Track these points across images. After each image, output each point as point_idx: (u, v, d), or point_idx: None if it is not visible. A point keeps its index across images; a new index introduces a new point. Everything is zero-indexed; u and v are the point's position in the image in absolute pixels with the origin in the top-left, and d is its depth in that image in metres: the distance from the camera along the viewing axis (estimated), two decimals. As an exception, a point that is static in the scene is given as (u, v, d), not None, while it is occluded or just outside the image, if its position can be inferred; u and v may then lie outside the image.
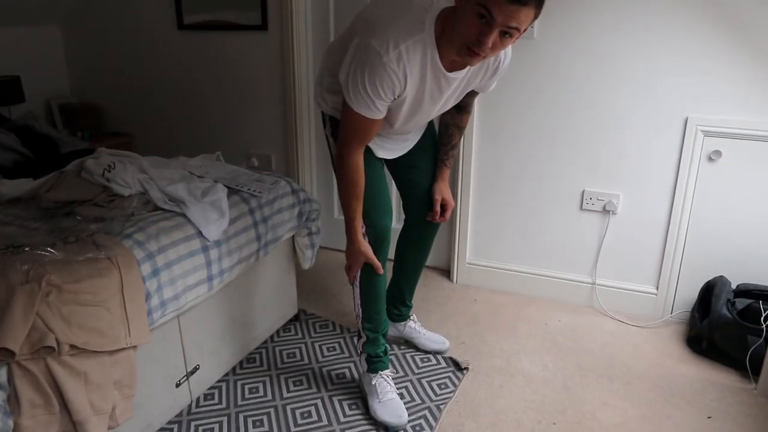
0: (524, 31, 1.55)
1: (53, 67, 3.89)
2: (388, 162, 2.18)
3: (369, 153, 2.01)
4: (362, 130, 1.82)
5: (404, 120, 1.91)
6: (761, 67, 2.38)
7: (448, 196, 2.26)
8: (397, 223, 3.17)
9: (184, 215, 2.03)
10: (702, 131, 2.52)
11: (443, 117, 2.19)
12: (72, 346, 1.57)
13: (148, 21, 3.53)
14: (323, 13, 3.10)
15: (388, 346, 2.25)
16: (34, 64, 3.73)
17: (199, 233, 2.01)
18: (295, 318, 2.71)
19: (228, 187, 2.24)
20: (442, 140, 2.23)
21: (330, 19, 3.09)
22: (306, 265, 2.56)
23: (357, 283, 2.14)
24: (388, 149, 2.10)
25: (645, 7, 2.47)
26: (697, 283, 2.67)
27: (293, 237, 2.51)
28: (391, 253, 2.27)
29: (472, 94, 2.08)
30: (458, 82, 1.84)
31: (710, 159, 2.55)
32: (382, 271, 2.08)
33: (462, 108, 2.15)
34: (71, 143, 3.43)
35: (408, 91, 1.75)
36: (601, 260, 2.83)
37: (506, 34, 1.52)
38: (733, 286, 2.58)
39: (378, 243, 2.10)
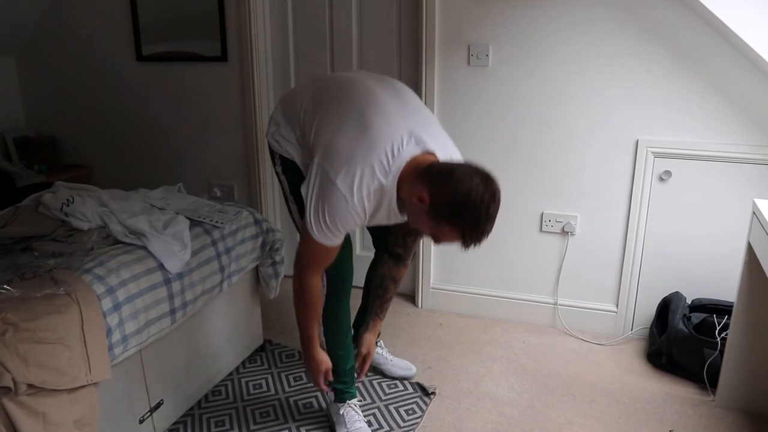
0: None
1: (7, 98, 3.82)
2: None
3: None
4: (323, 256, 1.83)
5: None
6: (704, 92, 2.49)
7: (372, 349, 2.19)
8: (362, 251, 3.19)
9: (145, 248, 2.01)
10: (652, 153, 2.61)
11: (380, 268, 2.17)
12: (29, 386, 1.53)
13: (106, 52, 3.51)
14: (283, 44, 3.13)
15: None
16: (-12, 96, 3.67)
17: (161, 266, 1.99)
18: (261, 349, 2.68)
19: (190, 219, 2.23)
20: (377, 293, 2.20)
21: (290, 50, 3.13)
22: (271, 295, 2.55)
23: (321, 320, 2.11)
24: None
25: (595, 39, 2.57)
26: (655, 299, 2.75)
27: (257, 267, 2.50)
28: (359, 280, 2.28)
29: (418, 237, 2.10)
30: None
31: (661, 179, 2.64)
32: (324, 389, 2.07)
33: (400, 260, 2.14)
34: (27, 177, 3.37)
35: (368, 217, 1.76)
36: (562, 280, 2.89)
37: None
38: (689, 301, 2.66)
39: (338, 288, 2.10)
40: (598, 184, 2.73)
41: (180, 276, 2.03)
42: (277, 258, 2.51)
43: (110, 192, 2.40)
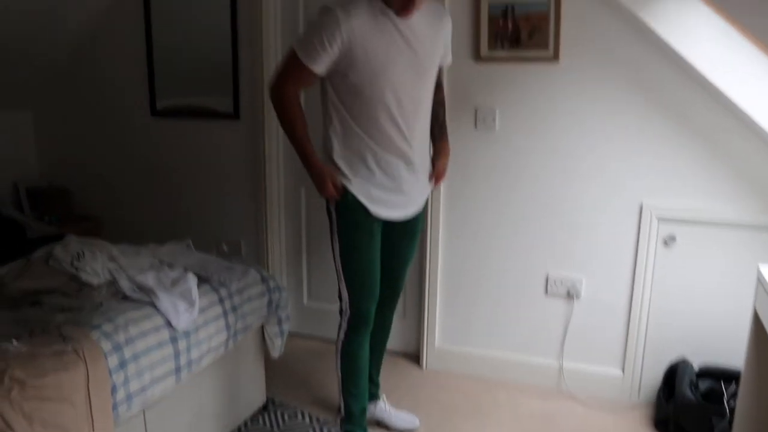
0: None
1: (23, 150, 3.89)
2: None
3: (366, 219, 2.10)
4: (297, 74, 2.00)
5: (389, 86, 2.00)
6: (707, 158, 2.54)
7: (443, 170, 2.32)
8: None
9: (153, 305, 2.03)
10: (656, 217, 2.64)
11: None
12: (33, 445, 1.52)
13: (121, 106, 3.60)
14: (294, 104, 3.21)
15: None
16: (4, 148, 3.73)
17: (168, 323, 2.00)
18: (264, 408, 2.65)
19: (198, 276, 2.25)
20: (430, 117, 2.29)
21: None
22: (275, 353, 2.54)
23: (338, 353, 2.20)
24: (385, 202, 2.12)
25: (598, 104, 2.64)
26: (662, 364, 2.72)
27: (262, 325, 2.50)
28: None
29: (441, 71, 2.28)
30: (417, 28, 2.00)
31: (666, 243, 2.66)
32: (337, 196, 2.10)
33: (435, 86, 2.24)
34: (38, 228, 3.40)
35: (359, 36, 1.91)
36: (568, 344, 2.88)
37: None
38: (696, 368, 2.63)
39: (359, 326, 2.16)
40: (604, 247, 2.75)
41: (186, 334, 2.04)
42: (283, 316, 2.52)
43: (120, 247, 2.43)
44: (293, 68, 2.00)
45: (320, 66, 1.96)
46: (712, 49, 2.37)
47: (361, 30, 1.92)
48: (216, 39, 3.26)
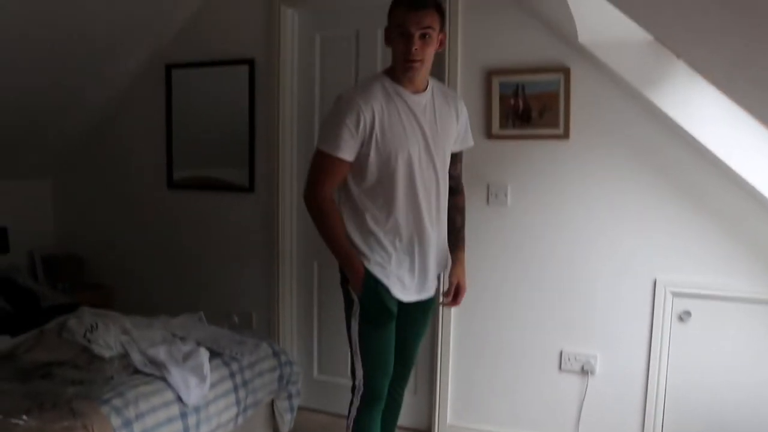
0: (440, 33, 1.99)
1: (41, 218, 3.96)
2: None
3: (386, 300, 2.07)
4: (328, 169, 2.01)
5: (404, 165, 2.02)
6: (720, 234, 2.54)
7: (463, 281, 2.28)
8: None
9: (164, 379, 2.02)
10: (671, 292, 2.62)
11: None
12: None
13: (139, 177, 3.68)
14: (308, 176, 3.27)
15: None
16: (22, 215, 3.79)
17: (179, 398, 1.99)
18: (271, 485, 2.59)
19: (210, 350, 2.24)
20: (447, 226, 2.26)
21: (315, 182, 3.26)
22: (285, 429, 2.50)
23: (350, 430, 2.16)
24: (402, 283, 2.09)
25: (609, 180, 2.67)
26: (681, 443, 2.65)
27: (272, 400, 2.47)
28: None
29: (453, 162, 2.22)
30: (428, 109, 2.06)
31: (681, 319, 2.63)
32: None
33: (453, 189, 2.24)
34: (52, 296, 3.42)
35: (378, 118, 1.97)
36: (583, 421, 2.81)
37: (425, 35, 1.94)
38: (716, 448, 2.55)
39: (373, 403, 2.14)
40: (618, 323, 2.72)
41: (197, 410, 2.02)
42: (293, 391, 2.49)
43: (133, 319, 2.44)
44: (324, 167, 2.02)
45: (350, 153, 1.99)
46: (720, 127, 2.42)
47: (380, 113, 1.98)
48: (233, 113, 3.36)
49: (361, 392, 2.14)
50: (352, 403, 2.19)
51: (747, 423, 2.54)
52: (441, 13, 2.00)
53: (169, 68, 3.51)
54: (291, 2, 3.17)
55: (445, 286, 2.35)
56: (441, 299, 2.34)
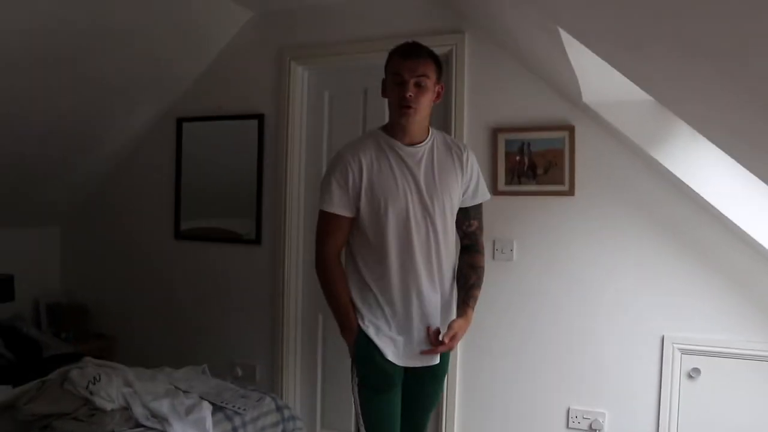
0: (436, 81, 2.00)
1: (47, 266, 3.97)
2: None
3: (384, 367, 1.99)
4: (330, 227, 2.02)
5: (396, 219, 1.96)
6: (727, 289, 2.54)
7: (459, 332, 2.02)
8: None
9: (166, 433, 1.99)
10: (679, 349, 2.59)
11: (458, 260, 2.17)
12: None
13: (147, 228, 3.70)
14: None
15: None
16: (29, 263, 3.79)
17: (180, 453, 1.95)
18: None
19: (212, 404, 2.22)
20: (459, 283, 2.15)
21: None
22: (287, 486, 2.44)
23: None
24: (396, 351, 2.00)
25: (615, 236, 2.68)
26: (693, 505, 2.57)
27: (275, 455, 2.43)
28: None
29: (466, 218, 2.14)
30: (424, 161, 2.02)
31: (690, 377, 2.59)
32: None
33: (470, 249, 2.16)
34: (54, 346, 3.40)
35: (366, 169, 1.97)
36: (592, 482, 2.74)
37: (419, 84, 1.95)
38: None
39: None
40: (626, 380, 2.69)
41: (198, 465, 1.98)
42: (297, 447, 2.45)
43: (136, 371, 2.42)
44: (323, 225, 2.04)
45: (344, 208, 1.98)
46: (725, 185, 2.44)
47: (369, 164, 1.98)
48: (242, 166, 3.42)
49: None
50: None
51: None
52: (437, 62, 2.00)
53: (180, 122, 3.58)
54: (301, 60, 3.27)
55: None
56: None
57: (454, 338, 2.00)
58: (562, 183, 2.72)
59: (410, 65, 1.95)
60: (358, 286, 2.04)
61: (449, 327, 2.02)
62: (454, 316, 2.08)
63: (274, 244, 3.31)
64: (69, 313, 3.84)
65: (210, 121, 3.50)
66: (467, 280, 2.14)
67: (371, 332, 1.99)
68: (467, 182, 2.11)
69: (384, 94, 2.06)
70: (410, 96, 1.94)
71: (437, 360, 2.05)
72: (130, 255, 3.77)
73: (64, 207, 3.90)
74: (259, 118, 3.35)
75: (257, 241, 3.36)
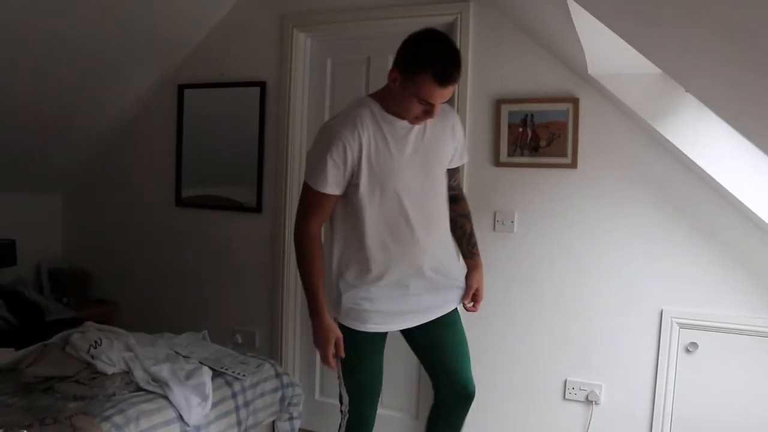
0: None
1: (49, 231, 3.98)
2: (409, 338, 2.14)
3: (365, 341, 2.02)
4: (316, 203, 1.92)
5: (397, 192, 1.92)
6: (727, 265, 2.54)
7: (481, 286, 2.16)
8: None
9: (166, 397, 2.01)
10: (677, 323, 2.60)
11: (454, 230, 2.19)
12: None
13: (148, 195, 3.70)
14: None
15: None
16: (31, 228, 3.81)
17: (180, 417, 1.98)
18: (269, 508, 2.57)
19: (212, 369, 2.24)
20: (457, 234, 2.20)
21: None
22: (285, 450, 2.48)
23: None
24: (381, 318, 2.00)
25: (616, 210, 2.68)
26: (686, 478, 2.61)
27: (273, 421, 2.46)
28: None
29: (452, 175, 2.15)
30: (419, 132, 1.95)
31: (687, 351, 2.61)
32: (333, 367, 2.02)
33: (455, 200, 2.18)
34: (57, 310, 3.43)
35: (365, 147, 1.87)
36: (587, 452, 2.78)
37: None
38: (723, 484, 2.51)
39: (358, 428, 2.08)
40: (623, 353, 2.70)
41: (197, 429, 2.01)
42: (295, 413, 2.48)
43: (137, 336, 2.44)
44: (310, 201, 1.94)
45: (336, 187, 1.90)
46: (728, 160, 2.42)
47: (367, 142, 1.88)
48: (243, 134, 3.40)
49: (347, 418, 2.09)
50: (340, 426, 2.14)
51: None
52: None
53: (181, 88, 3.55)
54: (304, 27, 3.22)
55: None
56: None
57: (477, 294, 2.15)
58: (564, 155, 2.71)
59: (445, 93, 1.81)
60: (342, 257, 2.01)
61: (468, 288, 2.13)
62: (457, 280, 2.13)
63: (275, 212, 3.31)
64: (71, 279, 3.87)
65: (211, 88, 3.48)
66: (464, 229, 2.20)
67: (355, 303, 2.00)
68: (456, 146, 2.11)
69: (394, 82, 1.84)
70: (436, 115, 1.87)
71: (449, 308, 2.09)
72: (131, 221, 3.78)
73: (66, 173, 3.89)
74: (261, 85, 3.33)
75: (258, 209, 3.36)
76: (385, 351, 2.13)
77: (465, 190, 2.62)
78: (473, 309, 2.20)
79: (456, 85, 1.84)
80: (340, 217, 2.00)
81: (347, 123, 1.88)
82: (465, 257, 2.22)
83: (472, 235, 2.22)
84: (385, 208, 1.94)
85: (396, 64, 1.83)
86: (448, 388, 2.16)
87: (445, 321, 2.11)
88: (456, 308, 2.15)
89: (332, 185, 1.89)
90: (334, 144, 1.85)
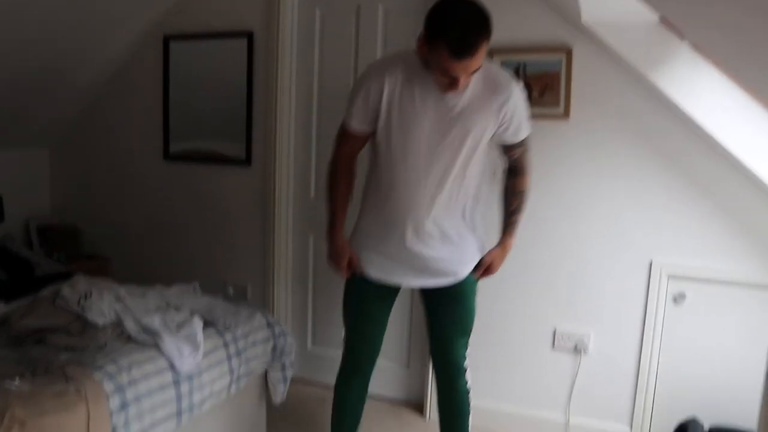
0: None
1: (37, 187, 3.95)
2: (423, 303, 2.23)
3: (366, 286, 2.12)
4: (346, 136, 2.07)
5: (409, 148, 1.95)
6: (718, 217, 2.55)
7: (496, 262, 2.19)
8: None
9: (157, 347, 2.02)
10: (667, 274, 2.63)
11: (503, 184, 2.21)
12: (30, 487, 1.50)
13: (136, 149, 3.66)
14: (306, 150, 3.26)
15: None
16: (18, 184, 3.78)
17: (172, 366, 1.99)
18: (264, 455, 2.61)
19: (204, 320, 2.25)
20: (502, 208, 2.25)
21: (312, 156, 3.25)
22: (277, 399, 2.51)
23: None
24: (380, 265, 2.09)
25: (608, 161, 2.67)
26: (671, 422, 2.65)
27: (266, 371, 2.48)
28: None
29: (516, 150, 2.10)
30: (453, 96, 1.88)
31: (675, 301, 2.64)
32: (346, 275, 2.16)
33: (513, 172, 2.17)
34: (47, 265, 3.42)
35: (387, 92, 1.92)
36: (575, 399, 2.83)
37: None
38: (706, 427, 2.57)
39: (348, 370, 2.22)
40: (612, 303, 2.73)
41: (189, 378, 2.02)
42: (287, 362, 2.50)
43: (127, 288, 2.43)
44: (342, 133, 2.09)
45: (359, 124, 2.01)
46: (723, 112, 2.41)
47: (392, 88, 1.91)
48: (231, 86, 3.34)
49: (343, 357, 2.22)
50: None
51: (738, 407, 2.56)
52: (489, 36, 1.77)
53: (167, 40, 3.48)
54: (292, -26, 3.14)
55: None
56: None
57: (488, 270, 2.18)
58: (557, 106, 2.68)
59: (465, 65, 1.74)
60: (365, 195, 2.14)
61: (481, 261, 2.15)
62: (467, 254, 2.13)
63: (265, 164, 3.28)
64: (60, 234, 3.85)
65: (198, 40, 3.40)
66: (508, 205, 2.21)
67: (358, 244, 2.12)
68: (505, 126, 2.01)
69: (421, 47, 1.82)
70: (462, 87, 1.83)
71: (452, 280, 2.11)
72: (119, 176, 3.75)
73: (52, 128, 3.84)
74: (249, 36, 3.25)
75: (247, 161, 3.33)
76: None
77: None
78: (474, 275, 2.18)
79: (479, 55, 1.75)
80: (372, 159, 2.12)
81: (379, 67, 1.99)
82: (502, 232, 2.24)
83: (513, 213, 2.21)
84: (393, 156, 1.99)
85: (424, 31, 1.80)
86: (435, 360, 2.26)
87: (450, 293, 2.15)
88: (464, 285, 2.16)
89: (354, 123, 2.02)
90: (361, 84, 1.98)
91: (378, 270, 2.10)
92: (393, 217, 2.04)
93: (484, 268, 2.18)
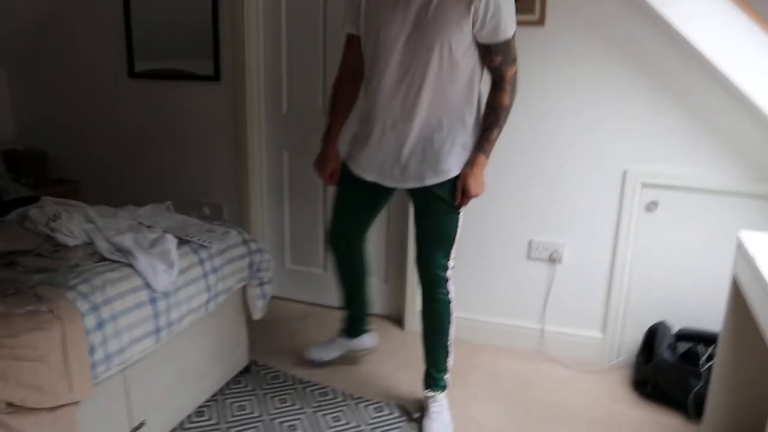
0: None
1: (-2, 110, 3.81)
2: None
3: (350, 177, 2.27)
4: (346, 43, 2.24)
5: (381, 46, 2.02)
6: (691, 126, 2.53)
7: (469, 184, 2.11)
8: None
9: (131, 266, 2.00)
10: (640, 183, 2.63)
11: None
12: (8, 404, 1.51)
13: (99, 67, 3.51)
14: (276, 64, 3.15)
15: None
16: (-22, 107, 3.64)
17: (147, 284, 1.97)
18: (246, 370, 2.65)
19: (178, 238, 2.22)
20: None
21: (282, 70, 3.14)
22: (257, 315, 2.53)
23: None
24: (358, 162, 2.23)
25: (583, 69, 2.61)
26: (642, 327, 2.75)
27: (244, 287, 2.49)
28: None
29: (495, 57, 2.02)
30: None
31: (648, 209, 2.66)
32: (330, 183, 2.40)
33: (492, 84, 2.09)
34: (14, 190, 3.34)
35: None
36: (549, 307, 2.90)
37: None
38: (675, 330, 2.66)
39: (331, 246, 2.48)
40: (586, 213, 2.75)
41: (166, 295, 2.01)
42: (265, 278, 2.50)
43: (98, 208, 2.38)
44: (345, 43, 2.24)
45: (349, 25, 2.16)
46: (704, 21, 2.34)
47: None
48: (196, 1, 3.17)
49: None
50: None
51: (706, 310, 2.64)
52: None
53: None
54: None
55: None
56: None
57: (465, 195, 2.14)
58: (532, 12, 2.59)
59: None
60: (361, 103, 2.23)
61: (455, 186, 2.13)
62: (440, 163, 2.11)
63: (234, 80, 3.17)
64: (27, 160, 3.74)
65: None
66: (484, 119, 2.13)
67: (350, 142, 2.27)
68: (480, 22, 1.94)
69: None
70: None
71: (418, 184, 2.15)
72: (84, 97, 3.61)
73: (6, 47, 3.64)
74: (210, -58, 3.06)
75: (216, 77, 3.21)
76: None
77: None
78: (460, 202, 2.17)
79: None
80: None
81: None
82: (474, 149, 2.14)
83: (486, 129, 2.11)
84: (369, 57, 2.09)
85: None
86: (417, 270, 2.32)
87: (425, 207, 2.21)
88: (436, 201, 2.17)
89: (347, 24, 2.17)
90: None
91: (358, 167, 2.24)
92: (370, 117, 2.14)
93: (460, 192, 2.14)
